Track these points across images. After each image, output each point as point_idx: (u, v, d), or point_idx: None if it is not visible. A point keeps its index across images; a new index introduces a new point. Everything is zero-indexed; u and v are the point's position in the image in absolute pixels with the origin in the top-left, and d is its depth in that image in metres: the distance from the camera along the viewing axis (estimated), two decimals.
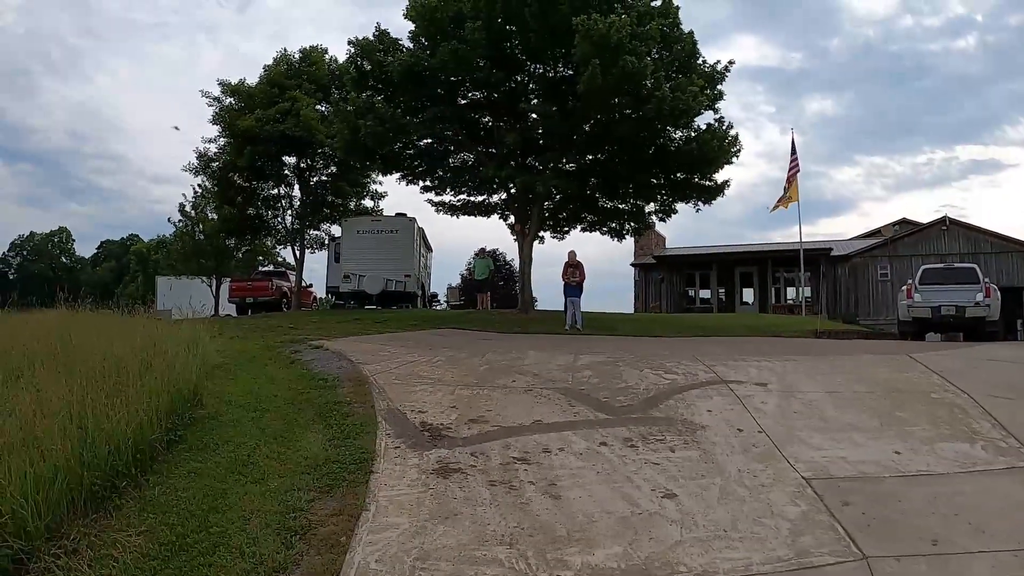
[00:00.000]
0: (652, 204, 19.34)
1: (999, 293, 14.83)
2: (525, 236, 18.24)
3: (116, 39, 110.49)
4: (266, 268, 28.23)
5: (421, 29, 16.52)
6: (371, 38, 16.99)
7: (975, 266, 16.17)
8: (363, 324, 14.52)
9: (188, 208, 27.45)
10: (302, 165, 23.84)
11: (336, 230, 24.88)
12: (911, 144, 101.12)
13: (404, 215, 23.29)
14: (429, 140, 18.52)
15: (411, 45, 16.93)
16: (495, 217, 20.57)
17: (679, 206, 18.98)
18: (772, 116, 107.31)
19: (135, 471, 5.07)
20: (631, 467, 5.59)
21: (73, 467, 4.53)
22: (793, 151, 22.17)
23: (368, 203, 25.78)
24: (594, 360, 9.66)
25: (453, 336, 13.12)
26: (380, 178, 24.56)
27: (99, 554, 4.09)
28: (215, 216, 25.71)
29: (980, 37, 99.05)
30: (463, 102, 17.75)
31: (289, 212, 24.82)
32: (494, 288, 27.57)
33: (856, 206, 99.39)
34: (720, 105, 16.96)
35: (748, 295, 31.03)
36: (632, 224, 19.91)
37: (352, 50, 17.11)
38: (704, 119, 16.88)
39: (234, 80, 23.46)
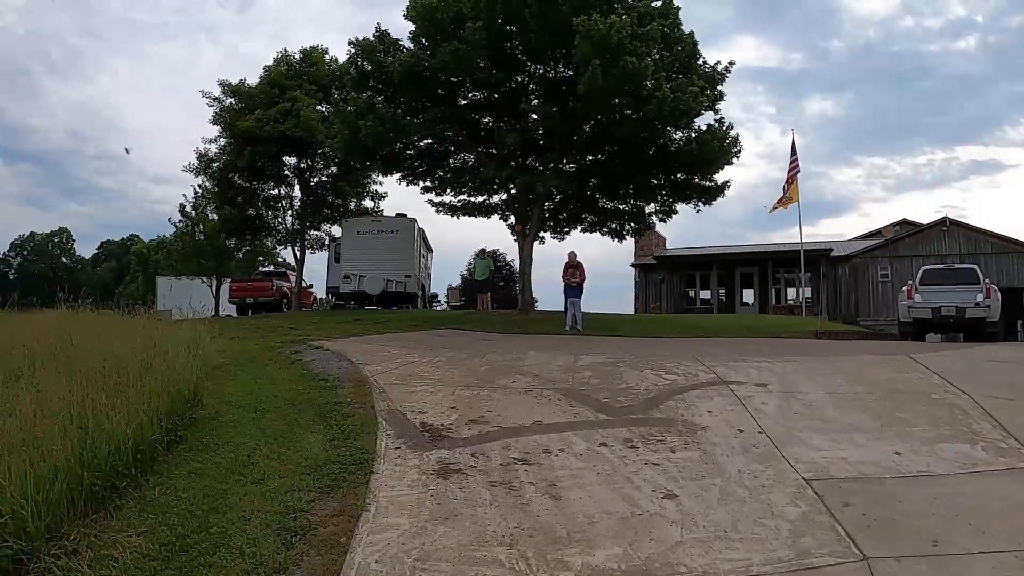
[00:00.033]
0: (652, 205, 19.37)
1: (999, 294, 14.83)
2: (525, 237, 18.25)
3: (117, 39, 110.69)
4: (266, 268, 28.23)
5: (421, 29, 16.53)
6: (371, 38, 17.00)
7: (975, 267, 16.17)
8: (363, 324, 14.52)
9: (188, 208, 27.50)
10: (302, 165, 23.86)
11: (336, 230, 24.91)
12: (911, 145, 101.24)
13: (404, 215, 23.30)
14: (429, 140, 18.54)
15: (411, 46, 16.94)
16: (495, 218, 20.63)
17: (679, 207, 19.02)
18: (772, 117, 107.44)
19: (135, 471, 5.07)
20: (631, 468, 5.58)
21: (73, 467, 4.52)
22: (793, 152, 22.20)
23: (368, 204, 25.82)
24: (594, 361, 9.66)
25: (453, 337, 13.12)
26: (380, 178, 24.62)
27: (99, 554, 4.09)
28: (215, 216, 25.73)
29: (981, 38, 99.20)
30: (463, 102, 17.76)
31: (289, 212, 24.85)
32: (494, 289, 27.57)
33: (856, 207, 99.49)
34: (720, 106, 17.01)
35: (748, 296, 31.02)
36: (632, 225, 19.92)
37: (352, 50, 17.13)
38: (704, 120, 16.94)
39: (234, 80, 23.52)
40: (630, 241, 25.43)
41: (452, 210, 20.10)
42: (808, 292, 27.50)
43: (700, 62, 16.84)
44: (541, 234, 19.56)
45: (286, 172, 24.14)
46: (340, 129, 17.55)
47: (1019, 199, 79.37)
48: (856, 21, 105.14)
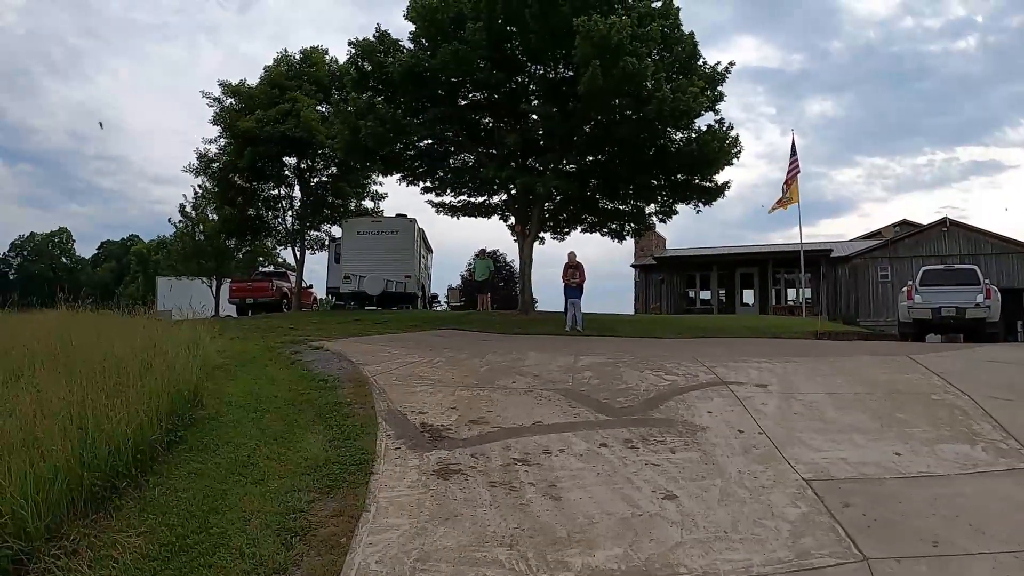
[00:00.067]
0: (652, 205, 19.37)
1: (999, 294, 14.82)
2: (525, 237, 18.25)
3: (117, 39, 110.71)
4: (266, 269, 28.24)
5: (422, 30, 16.53)
6: (371, 39, 17.00)
7: (975, 267, 16.16)
8: (363, 325, 14.52)
9: (188, 209, 27.50)
10: (302, 166, 23.86)
11: (336, 231, 24.92)
12: (911, 145, 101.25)
13: (404, 216, 23.30)
14: (430, 141, 18.54)
15: (411, 46, 16.94)
16: (495, 218, 20.62)
17: (679, 207, 19.01)
18: (773, 117, 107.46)
19: (135, 472, 5.07)
20: (631, 468, 5.58)
21: (73, 468, 4.52)
22: (793, 152, 22.23)
23: (368, 204, 25.83)
24: (594, 361, 9.65)
25: (453, 337, 13.12)
26: (380, 179, 24.63)
27: (99, 555, 4.09)
28: (215, 217, 25.73)
29: (981, 38, 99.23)
30: (464, 103, 17.77)
31: (289, 213, 24.85)
32: (494, 289, 27.57)
33: (856, 207, 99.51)
34: (720, 106, 17.02)
35: (748, 296, 31.02)
36: (632, 225, 19.93)
37: (352, 51, 17.13)
38: (704, 120, 16.94)
39: (235, 81, 23.51)
40: (630, 242, 25.46)
41: (452, 210, 20.10)
42: (808, 293, 27.51)
43: (700, 62, 16.85)
44: (541, 234, 19.57)
45: (286, 172, 24.14)
46: (340, 129, 17.55)
47: (1019, 200, 79.43)
48: (856, 22, 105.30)
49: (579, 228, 20.31)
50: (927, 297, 14.51)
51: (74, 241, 79.21)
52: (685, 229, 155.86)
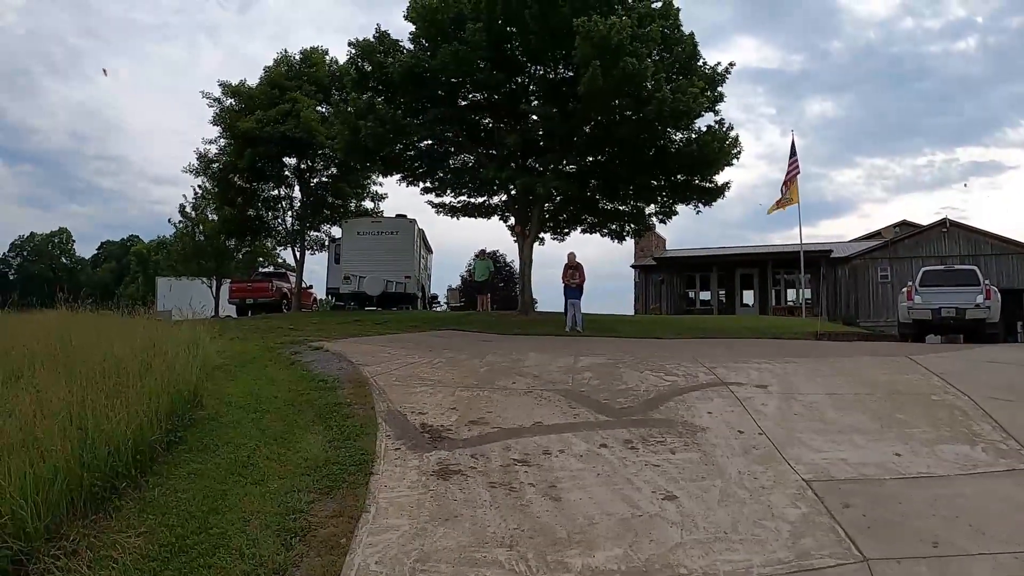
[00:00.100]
0: (652, 206, 19.37)
1: (999, 295, 14.83)
2: (525, 237, 18.25)
3: (117, 40, 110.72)
4: (266, 269, 28.23)
5: (422, 30, 16.54)
6: (371, 39, 17.01)
7: (975, 268, 16.17)
8: (363, 325, 14.51)
9: (188, 209, 27.49)
10: (302, 166, 23.85)
11: (336, 231, 24.91)
12: (911, 146, 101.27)
13: (404, 216, 23.30)
14: (429, 141, 18.54)
15: (411, 46, 16.94)
16: (495, 219, 20.62)
17: (679, 208, 19.01)
18: (773, 118, 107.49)
19: (135, 472, 5.07)
20: (631, 469, 5.58)
21: (73, 468, 4.52)
22: (793, 153, 22.24)
23: (368, 204, 25.81)
24: (594, 362, 9.65)
25: (453, 337, 13.12)
26: (380, 179, 24.61)
27: (99, 555, 4.08)
28: (215, 217, 25.72)
29: (981, 39, 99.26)
30: (464, 103, 17.77)
31: (289, 213, 24.83)
32: (494, 290, 27.56)
33: (856, 208, 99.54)
34: (720, 107, 17.03)
35: (748, 297, 31.02)
36: (632, 226, 19.93)
37: (352, 51, 17.14)
38: (704, 121, 16.95)
39: (235, 81, 23.49)
40: (630, 242, 25.47)
41: (452, 211, 20.11)
42: (808, 293, 27.51)
43: (700, 63, 16.86)
44: (541, 235, 19.57)
45: (286, 173, 24.13)
46: (340, 130, 17.54)
47: (1019, 200, 79.41)
48: (856, 22, 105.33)
49: (579, 229, 20.31)
50: (927, 298, 14.52)
51: (74, 241, 79.33)
52: (685, 230, 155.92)
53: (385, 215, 24.57)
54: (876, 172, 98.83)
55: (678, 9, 16.70)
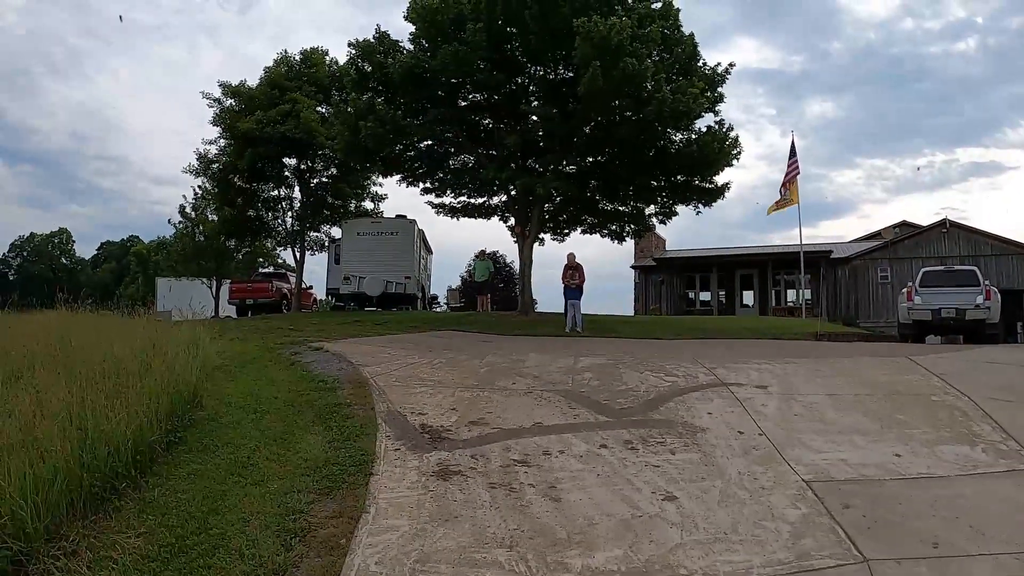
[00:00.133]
0: (652, 206, 19.35)
1: (999, 295, 14.84)
2: (525, 238, 18.25)
3: (117, 40, 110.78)
4: (266, 270, 28.21)
5: (422, 31, 16.53)
6: (371, 40, 17.00)
7: (975, 268, 16.17)
8: (363, 326, 14.51)
9: (188, 210, 27.47)
10: (302, 167, 23.84)
11: (336, 232, 24.89)
12: (911, 146, 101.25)
13: (404, 217, 23.29)
14: (429, 142, 18.53)
15: (411, 47, 16.94)
16: (495, 219, 20.61)
17: (679, 208, 18.99)
18: (773, 118, 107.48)
19: (135, 472, 5.07)
20: (631, 469, 5.58)
21: (73, 468, 4.52)
22: (793, 153, 22.25)
23: (368, 205, 25.78)
24: (594, 362, 9.65)
25: (453, 338, 13.12)
26: (380, 180, 24.58)
27: (98, 556, 4.08)
28: (215, 218, 25.70)
29: (981, 40, 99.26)
30: (464, 104, 17.76)
31: (289, 214, 24.81)
32: (494, 290, 27.55)
33: (856, 208, 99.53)
34: (720, 107, 17.00)
35: (748, 297, 31.01)
36: (632, 226, 19.92)
37: (352, 52, 17.13)
38: (704, 121, 16.94)
39: (235, 82, 23.48)
40: (630, 243, 25.45)
41: (452, 211, 20.10)
42: (808, 294, 27.51)
43: (700, 64, 16.85)
44: (541, 235, 19.56)
45: (286, 173, 24.12)
46: (340, 130, 17.54)
47: (1019, 201, 79.43)
48: (856, 23, 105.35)
49: (579, 229, 20.31)
50: (927, 298, 14.52)
51: (74, 242, 79.30)
52: (685, 230, 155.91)
53: (385, 216, 24.56)
54: (876, 172, 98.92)
55: (678, 10, 16.72)
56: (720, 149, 16.45)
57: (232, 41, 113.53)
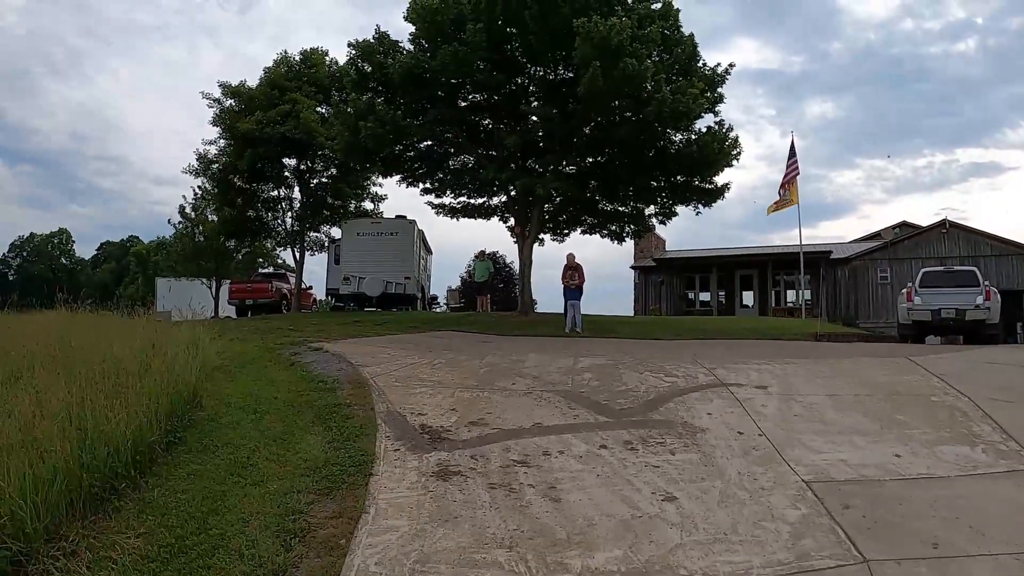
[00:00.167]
0: (652, 207, 19.34)
1: (999, 296, 14.84)
2: (525, 238, 18.25)
3: (117, 40, 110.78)
4: (266, 270, 28.21)
5: (421, 31, 16.53)
6: (371, 40, 17.00)
7: (975, 269, 16.17)
8: (363, 326, 14.51)
9: (188, 210, 27.46)
10: (302, 167, 23.83)
11: (336, 232, 24.89)
12: (911, 147, 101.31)
13: (404, 217, 23.28)
14: (429, 142, 18.53)
15: (411, 47, 16.94)
16: (495, 219, 20.59)
17: (679, 209, 18.98)
18: (772, 119, 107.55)
19: (134, 473, 5.07)
20: (631, 470, 5.58)
21: (72, 469, 4.52)
22: (792, 154, 22.25)
23: (368, 205, 25.77)
24: (594, 363, 9.65)
25: (453, 338, 13.11)
26: (380, 180, 24.58)
27: (98, 556, 4.08)
28: (215, 218, 25.70)
29: (980, 40, 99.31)
30: (463, 104, 17.76)
31: (289, 214, 24.80)
32: (494, 290, 27.54)
33: (856, 209, 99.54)
34: (720, 108, 16.98)
35: (748, 298, 31.01)
36: (632, 226, 19.92)
37: (352, 52, 17.14)
38: (704, 122, 16.92)
39: (234, 82, 23.49)
40: (630, 243, 25.44)
41: (452, 212, 20.09)
42: (808, 294, 27.50)
43: (700, 64, 16.85)
44: (541, 236, 19.55)
45: (286, 174, 24.11)
46: (340, 131, 17.54)
47: (1019, 201, 79.46)
48: (856, 24, 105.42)
49: (579, 229, 20.30)
50: (927, 299, 14.52)
51: (74, 242, 79.29)
52: (685, 230, 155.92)
53: (385, 216, 24.56)
54: (876, 173, 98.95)
55: (678, 10, 16.71)
56: (720, 149, 16.44)
57: (232, 41, 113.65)
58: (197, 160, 24.33)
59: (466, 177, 19.02)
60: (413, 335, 13.41)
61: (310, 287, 27.16)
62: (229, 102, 23.18)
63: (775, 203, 22.50)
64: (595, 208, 19.48)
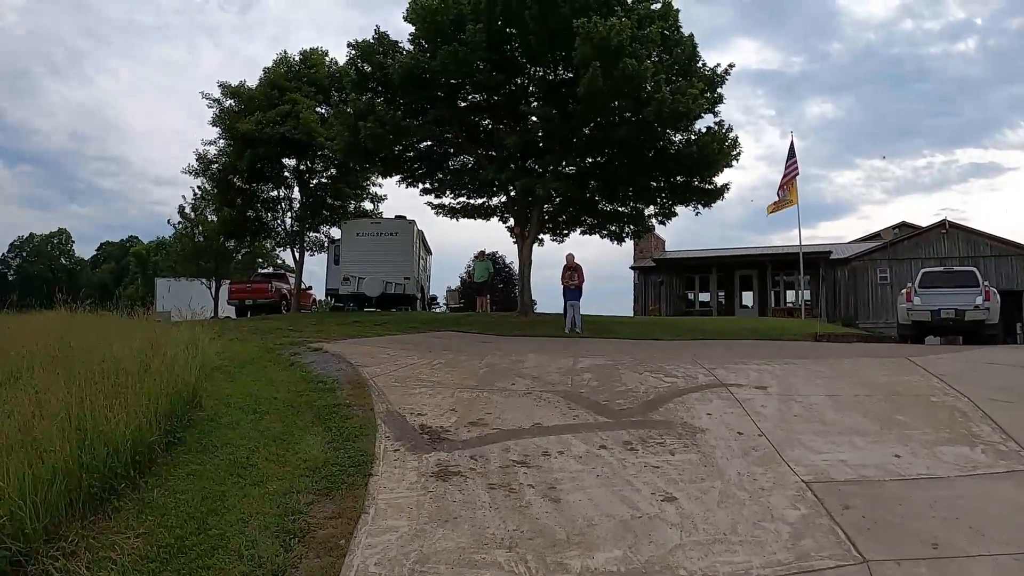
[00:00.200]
0: (652, 207, 19.35)
1: (998, 296, 14.84)
2: (525, 239, 18.24)
3: (117, 40, 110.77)
4: (265, 270, 28.21)
5: (421, 31, 16.53)
6: (371, 40, 17.00)
7: (975, 269, 16.17)
8: (362, 326, 14.51)
9: (188, 210, 27.46)
10: (302, 167, 23.83)
11: (336, 232, 24.89)
12: (911, 147, 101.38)
13: (403, 217, 23.28)
14: (429, 142, 18.54)
15: (411, 47, 16.94)
16: (495, 220, 20.59)
17: (679, 209, 18.98)
18: (772, 119, 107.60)
19: (134, 473, 5.06)
20: (631, 470, 5.58)
21: (72, 469, 4.52)
22: (792, 154, 22.25)
23: (368, 205, 25.78)
24: (594, 363, 9.65)
25: (453, 339, 13.11)
26: (380, 181, 24.58)
27: (97, 556, 4.08)
28: (215, 218, 25.69)
29: (980, 40, 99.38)
30: (463, 104, 17.77)
31: (289, 214, 24.81)
32: (493, 291, 27.54)
33: (856, 209, 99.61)
34: (720, 108, 16.97)
35: (747, 298, 31.02)
36: (632, 227, 19.92)
37: (352, 52, 17.14)
38: (704, 122, 16.93)
39: (234, 82, 23.49)
40: (629, 243, 25.45)
41: (452, 212, 20.09)
42: (807, 295, 27.52)
43: (700, 64, 16.85)
44: (540, 236, 19.55)
45: (285, 174, 24.11)
46: (340, 131, 17.53)
47: (1018, 202, 79.52)
48: (856, 24, 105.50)
49: (578, 230, 20.30)
50: (926, 299, 14.52)
51: (73, 242, 79.33)
52: (684, 231, 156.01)
53: (384, 216, 24.55)
54: (875, 173, 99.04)
55: (678, 11, 16.71)
56: (720, 150, 16.44)
57: (232, 42, 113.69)
58: (197, 160, 24.35)
59: (466, 177, 19.02)
60: (413, 335, 13.40)
61: (310, 287, 27.18)
62: (229, 102, 23.18)
63: (775, 203, 22.51)
64: (595, 208, 19.48)
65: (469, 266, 34.25)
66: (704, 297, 31.99)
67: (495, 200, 19.88)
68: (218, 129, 23.26)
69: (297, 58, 24.13)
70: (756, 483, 5.33)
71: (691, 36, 16.67)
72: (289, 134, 21.16)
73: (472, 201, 20.02)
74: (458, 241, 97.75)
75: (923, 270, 16.17)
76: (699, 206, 18.22)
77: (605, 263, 63.50)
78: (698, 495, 5.10)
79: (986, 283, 14.85)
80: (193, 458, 5.62)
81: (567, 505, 4.93)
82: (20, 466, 4.24)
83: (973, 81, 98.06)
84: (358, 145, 16.87)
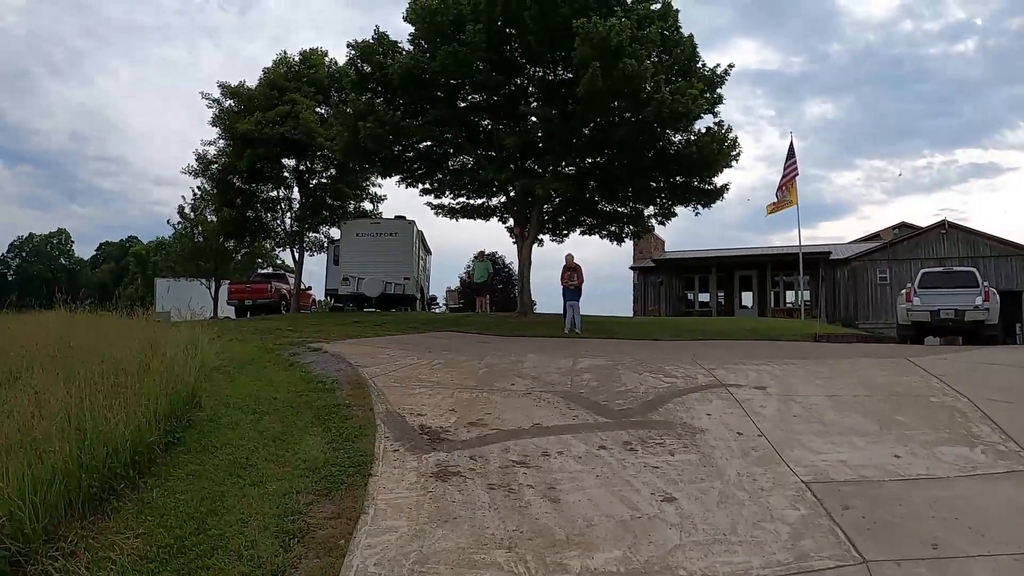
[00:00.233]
0: (651, 207, 19.35)
1: (998, 297, 14.84)
2: (524, 239, 18.24)
3: (117, 41, 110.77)
4: (265, 270, 28.20)
5: (421, 32, 16.54)
6: (370, 41, 17.00)
7: (974, 270, 16.17)
8: (362, 327, 14.51)
9: (187, 210, 27.46)
10: (301, 168, 23.83)
11: (335, 232, 24.89)
12: (911, 148, 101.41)
13: (403, 218, 23.27)
14: (429, 143, 18.54)
15: (411, 48, 16.95)
16: (494, 220, 20.62)
17: (678, 209, 18.99)
18: (772, 120, 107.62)
19: (133, 473, 5.06)
20: (630, 471, 5.58)
21: (71, 469, 4.51)
22: (791, 155, 22.26)
23: (367, 206, 25.77)
24: (593, 363, 9.65)
25: (452, 339, 13.11)
26: (379, 181, 24.58)
27: (96, 556, 4.07)
28: (214, 218, 25.69)
29: (980, 41, 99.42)
30: (463, 105, 17.78)
31: (288, 214, 24.81)
32: (493, 291, 27.54)
33: (855, 209, 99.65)
34: (720, 109, 16.99)
35: (747, 298, 31.01)
36: (631, 227, 19.92)
37: (352, 53, 17.14)
38: (704, 123, 16.94)
39: (234, 82, 23.48)
40: (629, 244, 25.45)
41: (451, 212, 20.10)
42: (807, 295, 27.52)
43: (699, 65, 16.85)
44: (540, 236, 19.55)
45: (285, 174, 24.11)
46: (339, 131, 17.54)
47: (1018, 202, 79.57)
48: (856, 24, 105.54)
49: (578, 230, 20.30)
50: (926, 299, 14.53)
51: (73, 242, 79.32)
52: (684, 231, 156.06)
53: (384, 216, 24.55)
54: (875, 174, 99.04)
55: (677, 11, 16.72)
56: (719, 150, 16.44)
57: (232, 42, 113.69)
58: (196, 160, 24.35)
59: (465, 178, 19.03)
60: (412, 336, 13.40)
61: (309, 287, 27.17)
62: (228, 102, 23.18)
63: (774, 204, 22.52)
64: (594, 209, 19.49)
65: (469, 266, 34.26)
66: (704, 297, 31.98)
67: (495, 200, 19.91)
68: (218, 129, 23.28)
69: (297, 58, 24.13)
70: (756, 483, 5.33)
71: (691, 36, 16.69)
72: (289, 134, 21.16)
73: (472, 201, 20.04)
74: (458, 241, 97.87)
75: (923, 270, 16.16)
76: (699, 206, 18.22)
77: (605, 263, 63.53)
78: (698, 495, 5.10)
79: (986, 283, 14.85)
80: (193, 458, 5.62)
81: (567, 505, 4.93)
82: (19, 466, 4.24)
83: (973, 82, 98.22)
84: (358, 145, 16.87)
